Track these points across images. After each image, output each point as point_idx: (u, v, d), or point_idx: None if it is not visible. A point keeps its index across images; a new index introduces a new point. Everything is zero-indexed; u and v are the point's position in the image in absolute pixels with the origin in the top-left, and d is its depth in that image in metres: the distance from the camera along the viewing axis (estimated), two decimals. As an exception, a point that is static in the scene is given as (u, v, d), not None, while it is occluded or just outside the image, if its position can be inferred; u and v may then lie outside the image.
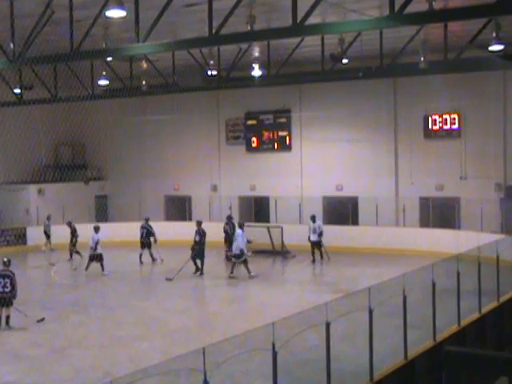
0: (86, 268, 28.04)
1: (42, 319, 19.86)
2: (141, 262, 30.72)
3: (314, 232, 29.95)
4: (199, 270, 27.09)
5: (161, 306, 22.69)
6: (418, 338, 15.64)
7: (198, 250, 27.17)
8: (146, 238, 31.17)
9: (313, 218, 30.36)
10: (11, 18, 20.93)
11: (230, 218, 32.18)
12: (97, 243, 27.97)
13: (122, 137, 41.57)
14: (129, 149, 41.64)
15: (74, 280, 27.82)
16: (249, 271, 26.60)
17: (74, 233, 31.51)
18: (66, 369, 15.79)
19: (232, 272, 26.79)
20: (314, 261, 29.87)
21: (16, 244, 34.27)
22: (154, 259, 30.93)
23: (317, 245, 30.05)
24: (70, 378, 15.21)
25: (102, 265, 27.82)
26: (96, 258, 27.97)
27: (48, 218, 34.12)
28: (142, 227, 31.60)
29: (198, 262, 27.17)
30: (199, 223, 28.01)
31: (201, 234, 27.42)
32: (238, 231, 27.49)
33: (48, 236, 33.80)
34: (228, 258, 30.38)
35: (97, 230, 28.56)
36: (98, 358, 16.58)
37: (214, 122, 39.45)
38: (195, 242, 27.37)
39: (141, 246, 31.15)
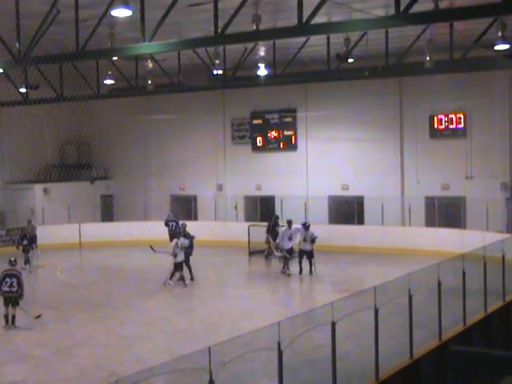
0: (171, 277, 25.66)
1: (39, 316, 19.83)
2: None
3: (305, 240, 27.03)
4: (183, 278, 25.85)
5: (166, 306, 22.73)
6: (423, 337, 15.64)
7: (186, 254, 26.04)
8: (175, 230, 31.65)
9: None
10: (17, 17, 20.96)
11: (276, 217, 32.20)
12: (181, 249, 25.57)
13: (127, 136, 41.63)
14: (134, 148, 41.68)
15: (79, 280, 27.81)
16: (288, 268, 26.95)
17: (30, 238, 29.59)
18: (72, 368, 15.81)
19: (288, 268, 26.97)
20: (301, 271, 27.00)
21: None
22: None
23: (308, 254, 27.15)
24: (75, 377, 15.23)
25: (182, 274, 25.70)
26: (179, 265, 25.60)
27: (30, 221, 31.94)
28: (171, 221, 32.52)
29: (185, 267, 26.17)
30: (184, 226, 27.24)
31: (188, 237, 26.50)
32: (296, 226, 27.51)
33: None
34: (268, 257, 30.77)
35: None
36: (103, 358, 16.60)
37: (219, 122, 39.46)
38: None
39: (170, 238, 31.60)
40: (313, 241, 27.03)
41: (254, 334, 12.23)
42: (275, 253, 30.36)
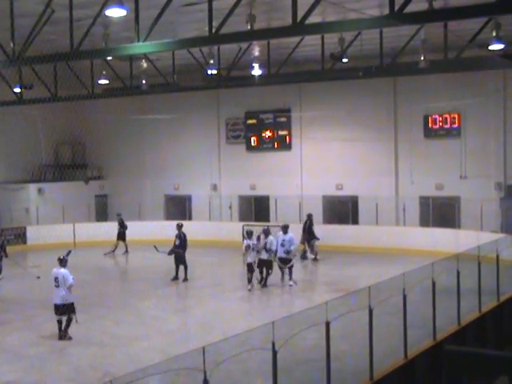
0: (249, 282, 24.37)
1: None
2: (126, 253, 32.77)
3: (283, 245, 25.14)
4: (178, 278, 26.12)
5: (160, 306, 22.70)
6: (417, 337, 15.65)
7: (180, 254, 26.10)
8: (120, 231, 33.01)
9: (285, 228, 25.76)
10: (11, 17, 20.93)
11: (310, 215, 31.72)
12: (253, 249, 24.39)
13: (122, 136, 41.62)
14: (129, 148, 41.67)
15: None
16: (290, 278, 25.01)
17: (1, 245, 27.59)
18: (66, 368, 15.81)
19: (281, 278, 24.94)
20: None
21: (16, 243, 34.19)
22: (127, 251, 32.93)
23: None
24: (70, 377, 15.22)
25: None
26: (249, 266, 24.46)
27: None
28: (123, 221, 33.42)
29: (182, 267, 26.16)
30: (180, 226, 26.83)
31: (182, 237, 26.34)
32: (291, 235, 25.38)
33: None
34: (304, 258, 30.39)
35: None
36: (97, 358, 16.59)
37: (213, 122, 39.47)
38: (175, 246, 26.27)
39: (123, 238, 32.83)
40: (267, 250, 24.59)
41: (249, 334, 12.22)
42: (308, 254, 30.22)
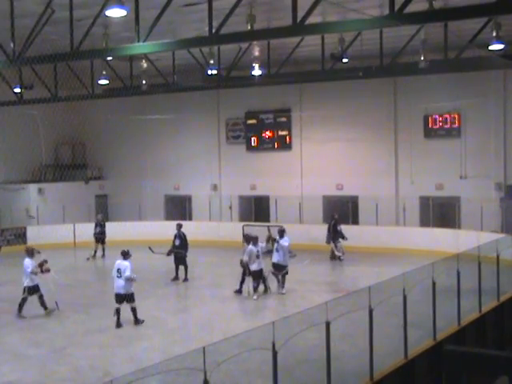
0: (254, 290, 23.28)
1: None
2: (94, 257, 32.06)
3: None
4: (178, 278, 26.13)
5: (160, 306, 22.67)
6: (418, 337, 15.66)
7: (181, 255, 26.06)
8: (101, 235, 32.25)
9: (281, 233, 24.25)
10: (11, 17, 20.94)
11: (333, 215, 31.59)
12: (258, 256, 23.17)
13: (122, 136, 41.59)
14: (129, 148, 41.65)
15: (73, 280, 27.74)
16: (283, 286, 23.74)
17: None
18: (66, 368, 15.79)
19: (281, 287, 23.63)
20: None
21: (16, 243, 34.18)
22: (104, 255, 32.21)
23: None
24: (70, 377, 15.22)
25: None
26: (256, 274, 23.31)
27: None
28: (99, 224, 32.61)
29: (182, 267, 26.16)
30: (179, 226, 26.72)
31: (181, 237, 26.27)
32: (286, 239, 23.89)
33: None
34: (333, 258, 30.38)
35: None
36: (98, 358, 16.59)
37: (214, 122, 39.46)
38: (174, 246, 26.20)
39: (96, 241, 32.20)
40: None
41: (249, 334, 12.21)
42: (336, 253, 30.18)
